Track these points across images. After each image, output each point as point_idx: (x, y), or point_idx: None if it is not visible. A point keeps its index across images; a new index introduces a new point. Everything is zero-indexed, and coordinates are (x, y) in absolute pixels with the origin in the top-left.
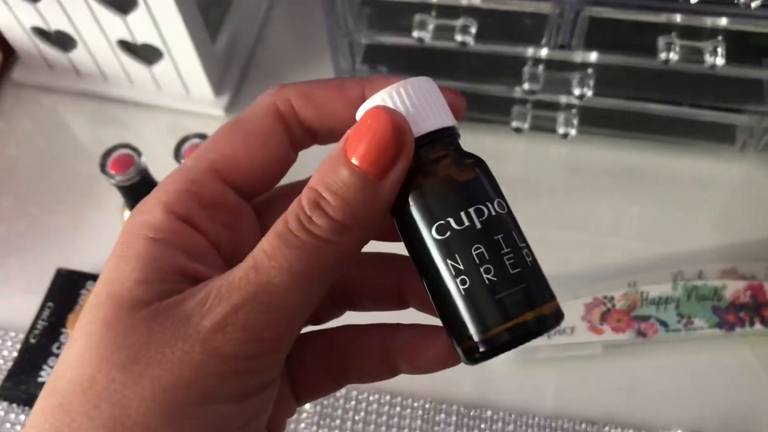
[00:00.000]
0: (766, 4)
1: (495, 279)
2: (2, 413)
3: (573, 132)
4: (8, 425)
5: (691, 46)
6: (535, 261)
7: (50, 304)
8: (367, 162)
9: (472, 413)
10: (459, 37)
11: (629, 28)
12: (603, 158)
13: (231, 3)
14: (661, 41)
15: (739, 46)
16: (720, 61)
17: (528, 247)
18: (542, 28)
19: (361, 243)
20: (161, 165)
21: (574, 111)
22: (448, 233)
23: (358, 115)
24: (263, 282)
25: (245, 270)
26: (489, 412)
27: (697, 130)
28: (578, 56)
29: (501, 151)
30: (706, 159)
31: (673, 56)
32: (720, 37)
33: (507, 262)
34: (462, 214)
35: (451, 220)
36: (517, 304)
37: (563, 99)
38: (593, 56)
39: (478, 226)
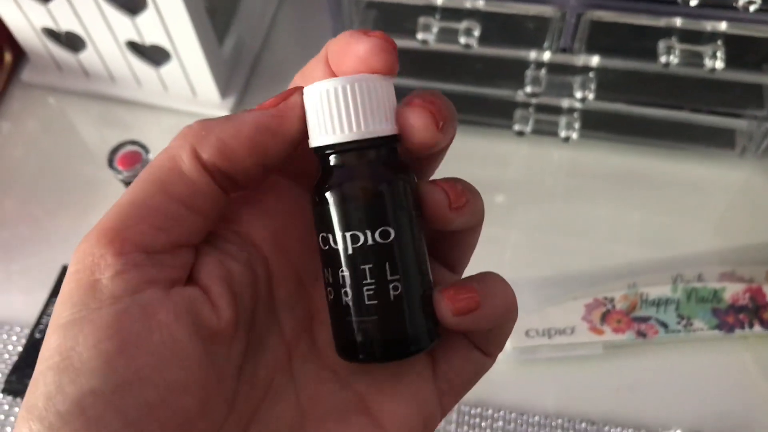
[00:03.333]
0: (765, 8)
1: (350, 303)
2: (7, 407)
3: (574, 135)
4: (13, 419)
5: (691, 50)
6: (401, 295)
7: (55, 299)
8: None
9: (473, 411)
10: (463, 40)
11: (630, 32)
12: (604, 162)
13: (238, 7)
14: (662, 45)
15: (739, 51)
16: (719, 65)
17: (407, 279)
18: (544, 31)
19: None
20: None
21: (575, 115)
22: (327, 247)
23: (305, 95)
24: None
25: None
26: (490, 411)
27: (697, 135)
28: (580, 60)
29: (503, 154)
30: (706, 164)
31: (673, 60)
32: (719, 42)
33: (364, 291)
34: (339, 235)
35: (329, 237)
36: (368, 334)
37: (565, 102)
38: (595, 60)
39: (348, 251)
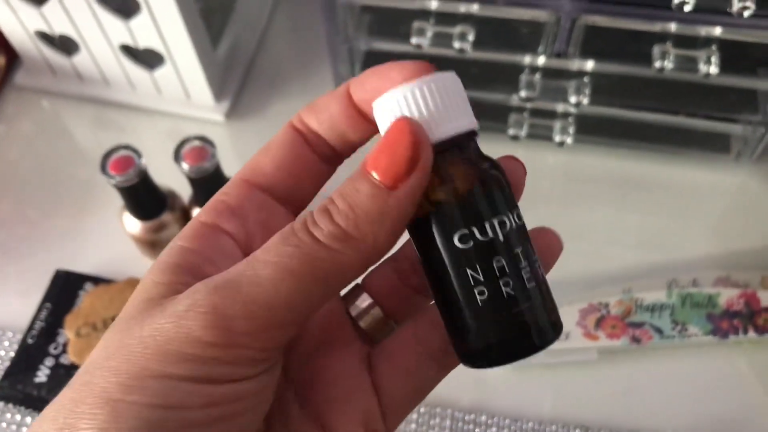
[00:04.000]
0: (759, 14)
1: (513, 293)
2: None
3: (569, 140)
4: (4, 425)
5: (685, 54)
6: (543, 273)
7: (48, 304)
8: (381, 171)
9: (467, 418)
10: (457, 44)
11: (625, 37)
12: (599, 166)
13: (233, 10)
14: (656, 50)
15: (734, 56)
16: (714, 70)
17: (537, 257)
18: (539, 35)
19: (365, 259)
20: (161, 169)
21: (570, 119)
22: (471, 243)
23: (375, 110)
24: (249, 273)
25: (241, 261)
26: (484, 417)
27: (692, 139)
28: (574, 64)
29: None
30: (702, 168)
31: (668, 65)
32: (714, 47)
33: (524, 276)
34: (486, 224)
35: (475, 230)
36: (534, 319)
37: (560, 107)
38: (589, 64)
39: (501, 238)
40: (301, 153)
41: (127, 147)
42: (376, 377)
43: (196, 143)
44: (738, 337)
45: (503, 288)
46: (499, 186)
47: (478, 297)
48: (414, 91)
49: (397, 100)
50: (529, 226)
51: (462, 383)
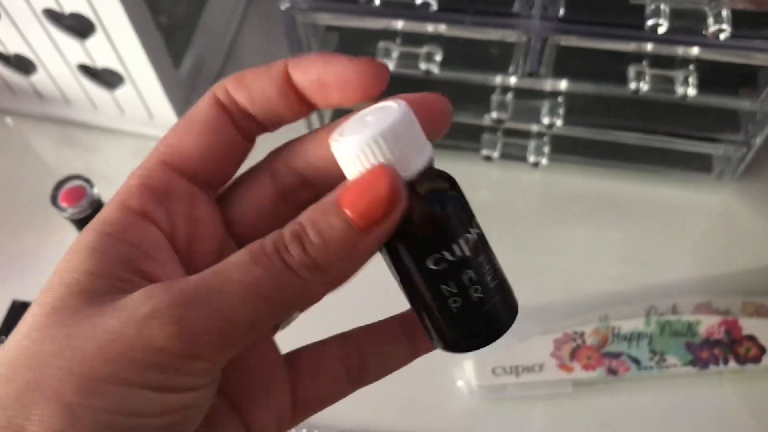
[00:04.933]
0: (736, 34)
1: (481, 296)
2: None
3: (544, 161)
4: None
5: (662, 75)
6: (498, 265)
7: (3, 338)
8: (357, 214)
9: None
10: (423, 66)
11: (599, 56)
12: (576, 186)
13: (197, 25)
14: (632, 70)
15: (714, 75)
16: (691, 91)
17: (492, 252)
18: (510, 56)
19: (330, 288)
20: None
21: (545, 139)
22: (443, 264)
23: (334, 148)
24: (218, 288)
25: (205, 272)
26: None
27: (672, 159)
28: (548, 84)
29: (473, 177)
30: (682, 187)
31: (644, 86)
32: (692, 67)
33: (488, 278)
34: (454, 246)
35: (445, 253)
36: (498, 311)
37: (534, 127)
38: (563, 84)
39: (468, 253)
40: (227, 134)
41: (77, 177)
42: (293, 376)
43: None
44: (718, 367)
45: (473, 294)
46: (460, 204)
47: (452, 306)
48: (385, 137)
49: (368, 146)
50: (505, 248)
51: (433, 417)
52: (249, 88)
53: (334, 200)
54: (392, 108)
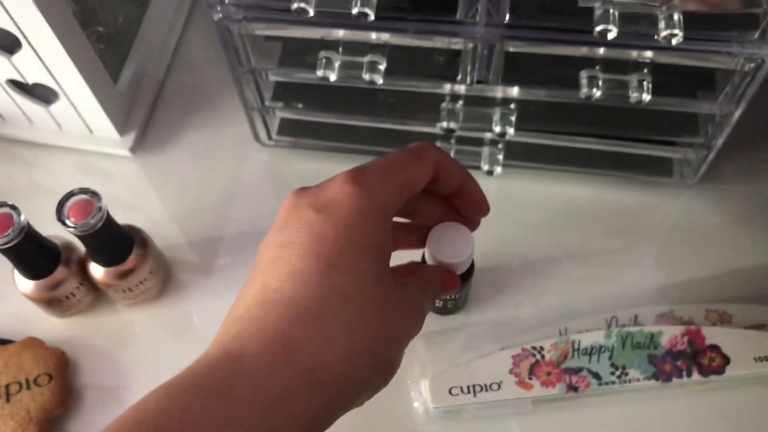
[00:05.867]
0: (690, 37)
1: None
2: None
3: (498, 169)
4: None
5: (615, 79)
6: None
7: None
8: (444, 291)
9: None
10: (367, 76)
11: (550, 62)
12: (533, 192)
13: (135, 36)
14: (584, 75)
15: (671, 78)
16: (646, 96)
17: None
18: (457, 63)
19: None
20: None
21: (500, 146)
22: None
23: (431, 254)
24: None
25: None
26: None
27: (631, 163)
28: (498, 91)
29: None
30: (642, 191)
31: (596, 92)
32: (646, 70)
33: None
34: (463, 291)
35: (457, 295)
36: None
37: (487, 134)
38: (514, 91)
39: (467, 291)
40: None
41: (3, 204)
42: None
43: (83, 197)
44: (682, 380)
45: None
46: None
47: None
48: (462, 262)
49: (455, 264)
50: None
51: None
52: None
53: (442, 280)
54: (467, 237)
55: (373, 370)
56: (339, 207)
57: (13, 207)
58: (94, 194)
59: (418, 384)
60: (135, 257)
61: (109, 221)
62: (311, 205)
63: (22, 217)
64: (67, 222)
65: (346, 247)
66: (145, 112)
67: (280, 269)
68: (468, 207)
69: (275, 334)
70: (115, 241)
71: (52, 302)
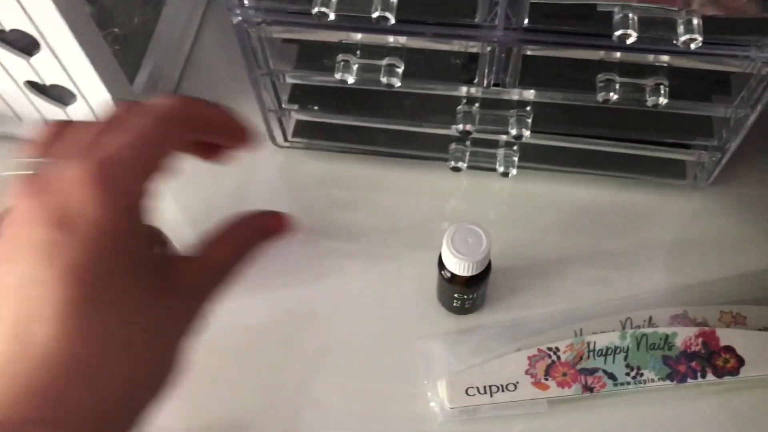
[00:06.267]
0: (708, 41)
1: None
2: None
3: (514, 171)
4: None
5: (632, 83)
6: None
7: None
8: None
9: None
10: (384, 79)
11: (567, 65)
12: (547, 194)
13: (150, 38)
14: (600, 79)
15: (687, 82)
16: (663, 100)
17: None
18: (474, 66)
19: None
20: None
21: (515, 148)
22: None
23: (447, 252)
24: None
25: None
26: None
27: (644, 165)
28: (515, 94)
29: (443, 186)
30: (655, 194)
31: (613, 96)
32: (663, 74)
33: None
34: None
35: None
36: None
37: (503, 137)
38: (531, 94)
39: (482, 290)
40: None
41: None
42: None
43: None
44: (696, 380)
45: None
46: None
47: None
48: (477, 262)
49: (468, 265)
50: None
51: None
52: None
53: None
54: (482, 237)
55: (156, 391)
56: (87, 224)
57: None
58: None
59: (435, 384)
60: None
61: None
62: (52, 223)
63: None
64: None
65: (104, 278)
66: None
67: (32, 317)
68: (230, 144)
69: (54, 399)
70: None
71: None
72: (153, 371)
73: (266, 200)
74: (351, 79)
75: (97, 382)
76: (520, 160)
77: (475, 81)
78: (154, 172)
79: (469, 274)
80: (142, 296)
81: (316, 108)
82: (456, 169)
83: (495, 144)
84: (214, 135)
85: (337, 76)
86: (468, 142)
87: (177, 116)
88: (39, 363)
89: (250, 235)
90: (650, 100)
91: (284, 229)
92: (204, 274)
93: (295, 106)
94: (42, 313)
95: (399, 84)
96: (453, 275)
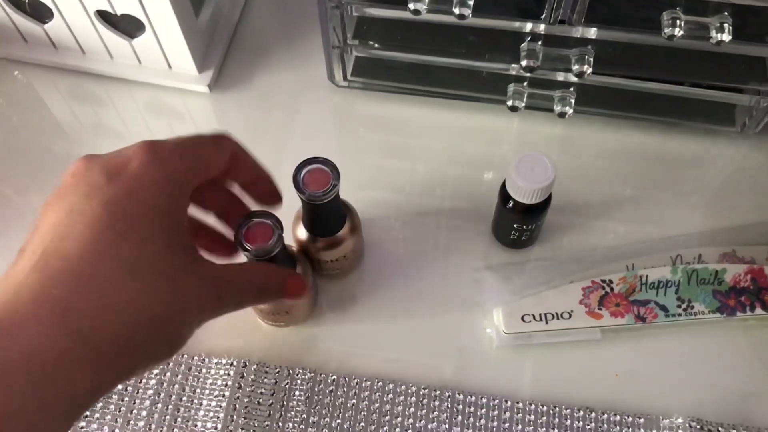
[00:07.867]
0: None
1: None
2: None
3: (570, 111)
4: None
5: (697, 21)
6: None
7: None
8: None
9: (467, 400)
10: (457, 10)
11: (633, 3)
12: (598, 138)
13: None
14: (666, 16)
15: (742, 22)
16: (726, 37)
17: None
18: (542, 2)
19: None
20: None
21: (572, 89)
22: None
23: (511, 179)
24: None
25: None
26: (484, 400)
27: (695, 111)
28: (578, 32)
29: (494, 130)
30: (704, 140)
31: (678, 32)
32: (727, 12)
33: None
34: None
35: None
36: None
37: (560, 77)
38: (593, 32)
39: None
40: None
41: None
42: None
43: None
44: (745, 314)
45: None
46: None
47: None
48: (542, 188)
49: (533, 191)
50: None
51: (466, 364)
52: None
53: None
54: (548, 168)
55: (155, 341)
56: (133, 176)
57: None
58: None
59: (490, 312)
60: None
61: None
62: (104, 171)
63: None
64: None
65: (136, 218)
66: (222, 52)
67: (65, 236)
68: (262, 198)
69: (53, 301)
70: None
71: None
72: (156, 326)
73: (317, 141)
74: (424, 9)
75: (106, 302)
76: (575, 103)
77: (542, 17)
78: (195, 162)
79: (533, 201)
80: (161, 244)
81: (377, 46)
82: (514, 108)
83: (552, 85)
84: (251, 181)
85: (410, 6)
86: (526, 83)
87: (228, 144)
88: (57, 273)
89: (273, 281)
90: (714, 38)
91: (299, 293)
92: (225, 275)
93: (358, 42)
94: (72, 234)
95: (470, 15)
96: (515, 203)
